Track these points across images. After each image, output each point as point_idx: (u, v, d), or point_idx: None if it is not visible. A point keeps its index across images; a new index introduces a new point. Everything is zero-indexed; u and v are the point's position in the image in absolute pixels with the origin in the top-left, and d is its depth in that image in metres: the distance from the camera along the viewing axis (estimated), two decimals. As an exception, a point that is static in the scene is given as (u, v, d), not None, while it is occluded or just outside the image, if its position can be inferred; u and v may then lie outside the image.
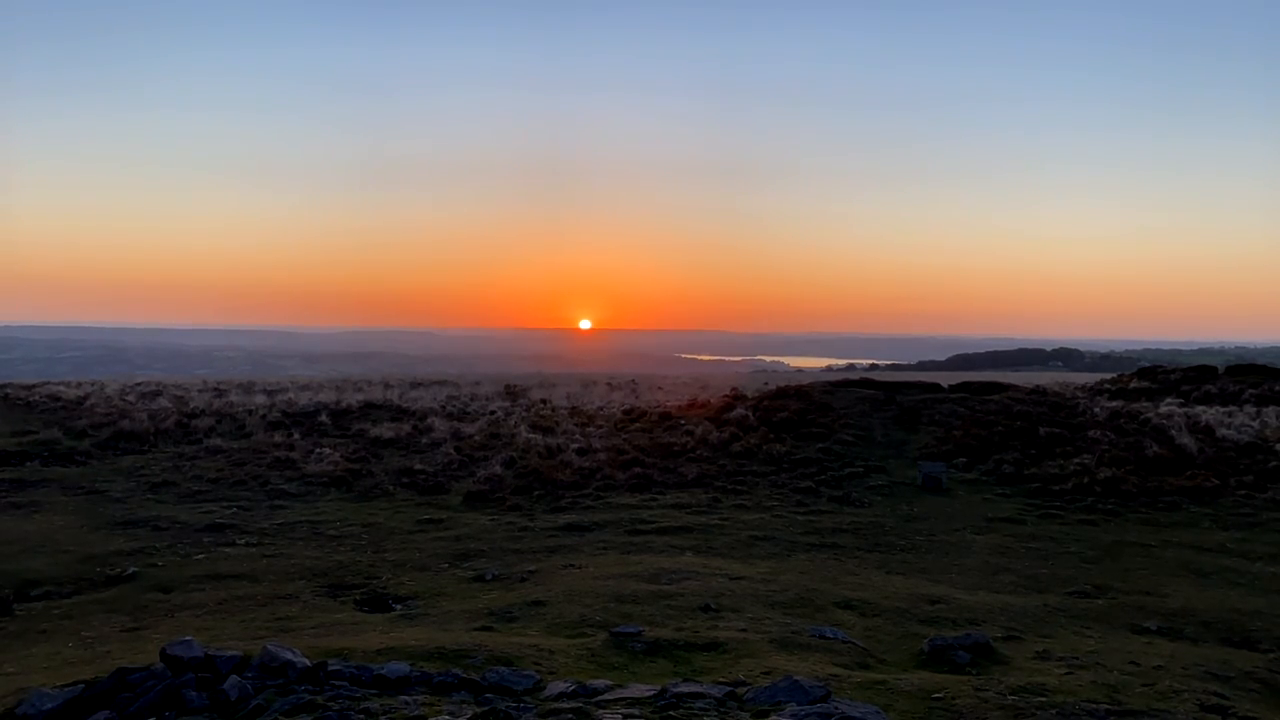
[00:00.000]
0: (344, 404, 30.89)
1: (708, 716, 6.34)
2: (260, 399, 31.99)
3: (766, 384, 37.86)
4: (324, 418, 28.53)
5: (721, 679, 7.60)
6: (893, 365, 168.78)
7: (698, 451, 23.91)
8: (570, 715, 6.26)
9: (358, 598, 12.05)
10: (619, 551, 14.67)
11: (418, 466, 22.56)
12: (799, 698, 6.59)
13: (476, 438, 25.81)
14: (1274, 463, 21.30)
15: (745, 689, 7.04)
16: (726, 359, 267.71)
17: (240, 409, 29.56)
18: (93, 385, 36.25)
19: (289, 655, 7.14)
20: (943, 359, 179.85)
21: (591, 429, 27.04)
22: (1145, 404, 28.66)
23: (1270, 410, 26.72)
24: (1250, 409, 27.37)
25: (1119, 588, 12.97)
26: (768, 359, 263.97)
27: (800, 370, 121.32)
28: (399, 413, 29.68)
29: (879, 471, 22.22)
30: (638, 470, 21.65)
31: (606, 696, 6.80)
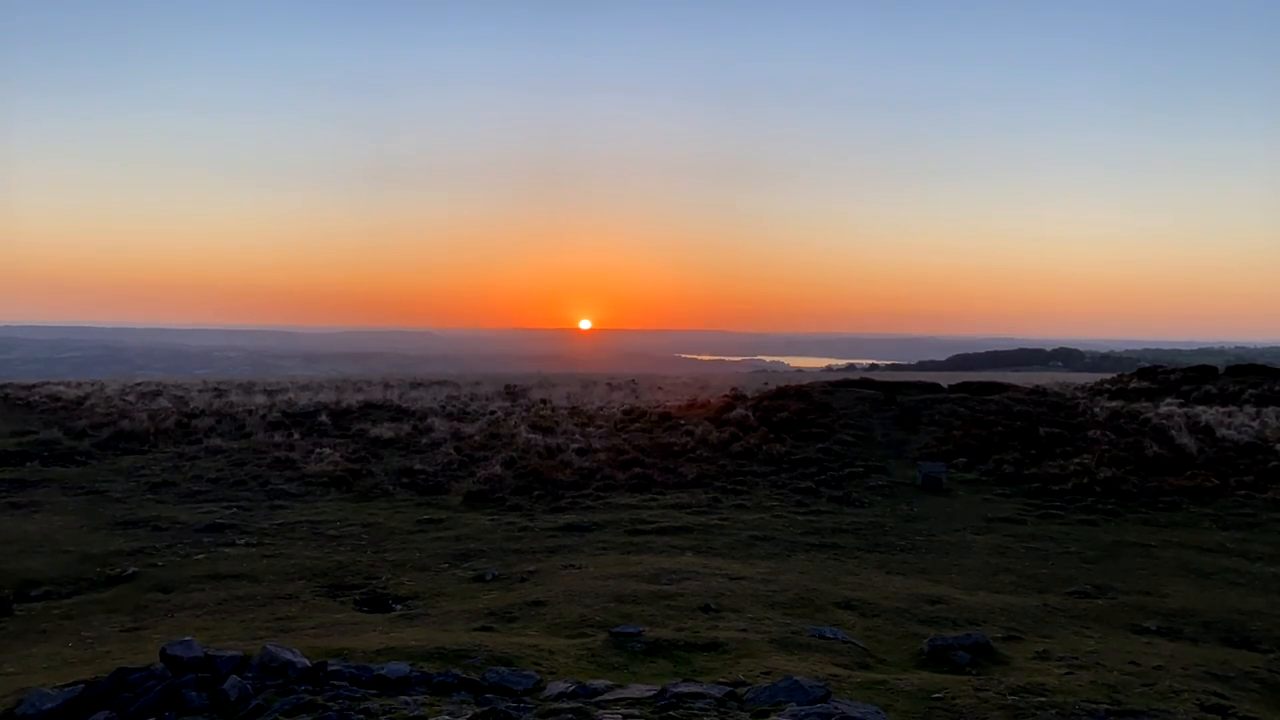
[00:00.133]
0: (344, 404, 30.91)
1: (708, 717, 6.33)
2: (260, 399, 32.02)
3: (766, 384, 37.87)
4: (324, 418, 28.54)
5: (721, 679, 7.59)
6: (893, 365, 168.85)
7: (698, 452, 23.91)
8: (570, 715, 6.25)
9: (357, 598, 12.05)
10: (619, 551, 14.67)
11: (418, 466, 22.56)
12: (799, 698, 6.59)
13: (476, 438, 25.82)
14: (1274, 463, 21.29)
15: (745, 689, 7.04)
16: (726, 359, 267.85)
17: (240, 409, 29.58)
18: (93, 385, 36.29)
19: (289, 655, 7.14)
20: (943, 359, 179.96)
21: (591, 429, 27.04)
22: (1145, 404, 28.67)
23: (1270, 410, 26.72)
24: (1250, 409, 27.37)
25: (1119, 588, 12.97)
26: (768, 359, 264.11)
27: (800, 370, 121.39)
28: (399, 413, 29.68)
29: (879, 471, 22.22)
30: (638, 470, 21.65)
31: (606, 696, 6.80)
